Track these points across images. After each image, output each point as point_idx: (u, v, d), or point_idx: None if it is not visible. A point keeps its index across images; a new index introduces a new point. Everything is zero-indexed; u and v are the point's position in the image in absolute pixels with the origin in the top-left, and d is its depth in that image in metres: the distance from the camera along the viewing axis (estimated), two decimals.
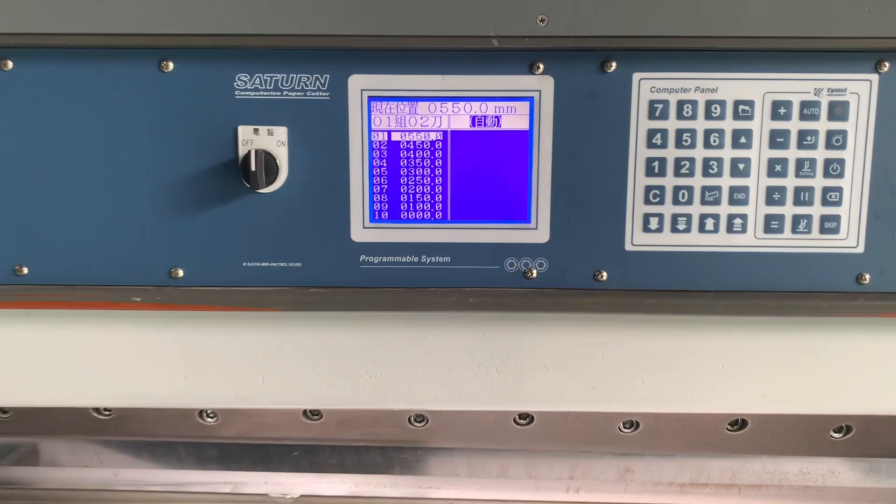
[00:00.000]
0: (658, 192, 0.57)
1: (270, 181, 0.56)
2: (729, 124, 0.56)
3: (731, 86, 0.55)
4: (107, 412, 0.78)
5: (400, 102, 0.56)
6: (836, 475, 0.78)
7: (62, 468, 0.81)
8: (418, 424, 0.78)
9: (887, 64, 0.54)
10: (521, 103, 0.56)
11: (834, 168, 0.56)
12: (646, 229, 0.57)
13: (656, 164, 0.56)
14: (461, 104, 0.56)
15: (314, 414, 0.77)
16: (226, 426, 0.78)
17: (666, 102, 0.56)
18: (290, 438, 0.78)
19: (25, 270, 0.58)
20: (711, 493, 0.78)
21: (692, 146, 0.56)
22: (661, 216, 0.57)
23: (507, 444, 0.77)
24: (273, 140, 0.56)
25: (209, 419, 0.78)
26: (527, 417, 0.77)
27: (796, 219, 0.57)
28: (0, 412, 0.78)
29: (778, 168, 0.56)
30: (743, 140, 0.56)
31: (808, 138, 0.56)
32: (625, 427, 0.76)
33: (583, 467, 0.79)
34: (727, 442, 0.76)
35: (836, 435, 0.76)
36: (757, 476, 0.78)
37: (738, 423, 0.76)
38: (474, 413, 0.76)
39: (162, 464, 0.80)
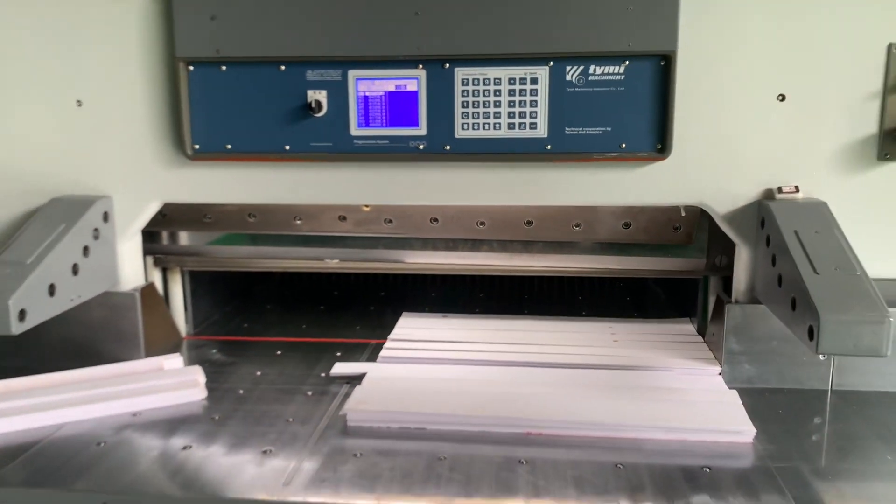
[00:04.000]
0: (467, 113, 1.45)
1: (319, 111, 1.47)
2: (492, 87, 1.43)
3: (493, 71, 1.43)
4: (253, 217, 1.73)
5: (369, 81, 1.46)
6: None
7: (231, 246, 1.78)
8: (388, 224, 1.70)
9: (552, 62, 1.41)
10: (413, 81, 1.45)
11: (534, 103, 1.43)
12: (463, 128, 1.46)
13: (468, 102, 1.45)
14: (391, 80, 1.45)
15: (343, 219, 1.70)
16: (305, 226, 1.72)
17: (469, 79, 1.44)
18: (334, 231, 1.72)
19: (229, 146, 1.51)
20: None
21: (477, 96, 1.44)
22: (470, 122, 1.46)
23: (428, 234, 1.69)
24: (321, 95, 1.47)
25: (298, 221, 1.71)
26: (435, 222, 1.67)
27: (521, 124, 1.45)
28: (206, 217, 1.74)
29: (511, 102, 1.44)
30: (497, 94, 1.44)
31: (523, 93, 1.43)
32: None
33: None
34: (527, 232, 1.65)
35: (576, 229, 1.63)
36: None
37: (530, 222, 1.64)
38: (413, 217, 1.68)
39: (278, 245, 1.76)
